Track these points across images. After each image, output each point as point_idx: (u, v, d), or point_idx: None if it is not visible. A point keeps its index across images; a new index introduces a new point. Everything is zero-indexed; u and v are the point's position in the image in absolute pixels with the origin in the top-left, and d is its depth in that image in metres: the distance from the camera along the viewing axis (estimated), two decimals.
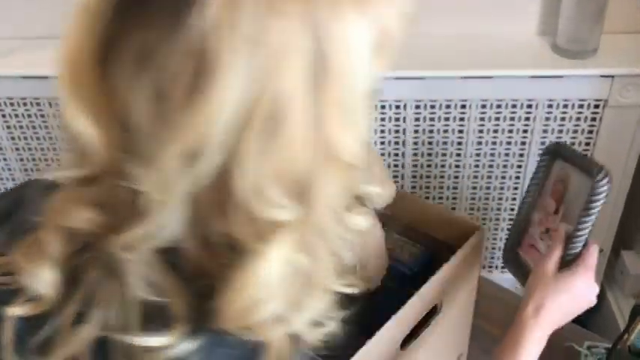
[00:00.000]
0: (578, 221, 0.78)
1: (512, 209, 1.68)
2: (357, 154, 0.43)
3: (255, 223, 0.41)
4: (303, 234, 0.42)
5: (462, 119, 1.53)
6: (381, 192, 0.50)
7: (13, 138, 1.68)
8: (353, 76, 0.42)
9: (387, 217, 0.94)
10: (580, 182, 0.82)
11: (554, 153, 0.87)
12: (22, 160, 1.73)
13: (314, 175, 0.41)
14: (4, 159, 1.74)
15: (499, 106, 1.50)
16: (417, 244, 0.90)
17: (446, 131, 1.56)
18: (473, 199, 1.67)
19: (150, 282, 0.43)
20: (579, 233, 0.78)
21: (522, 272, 0.86)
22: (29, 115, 1.63)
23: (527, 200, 0.91)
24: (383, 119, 1.55)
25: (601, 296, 1.77)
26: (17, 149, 1.71)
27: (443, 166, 1.62)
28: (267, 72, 0.38)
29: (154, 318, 0.42)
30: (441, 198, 1.68)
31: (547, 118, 1.50)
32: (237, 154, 0.39)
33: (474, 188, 1.65)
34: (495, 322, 1.05)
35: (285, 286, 0.43)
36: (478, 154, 1.59)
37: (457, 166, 1.62)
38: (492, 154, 1.58)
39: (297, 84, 0.39)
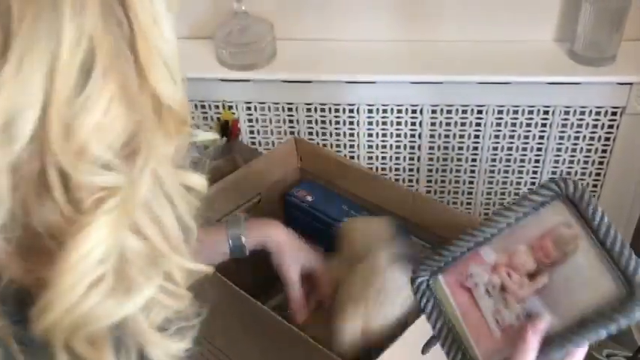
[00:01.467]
0: (575, 330, 0.53)
1: None
2: (183, 105, 0.39)
3: (77, 194, 0.36)
4: (129, 205, 0.37)
5: (478, 124, 1.53)
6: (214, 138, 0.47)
7: None
8: (157, 23, 0.38)
9: (405, 221, 0.94)
10: (596, 275, 0.53)
11: (564, 195, 0.57)
12: None
13: (142, 131, 0.37)
14: None
15: (515, 112, 1.50)
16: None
17: (462, 136, 1.56)
18: (487, 204, 1.67)
19: None
20: (572, 344, 0.53)
21: (428, 301, 0.63)
22: None
23: (492, 224, 0.63)
24: (399, 123, 1.55)
25: None
26: None
27: (458, 170, 1.62)
28: (70, 20, 0.33)
29: None
30: (455, 202, 1.68)
31: (564, 125, 1.50)
32: (53, 110, 0.34)
33: (489, 194, 1.65)
34: None
35: (104, 279, 0.37)
36: (494, 160, 1.59)
37: (472, 171, 1.62)
38: (508, 160, 1.58)
39: (102, 32, 0.35)
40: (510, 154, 1.57)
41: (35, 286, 0.37)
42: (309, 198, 0.99)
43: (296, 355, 0.73)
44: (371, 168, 1.63)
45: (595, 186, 1.60)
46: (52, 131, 0.34)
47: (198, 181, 0.43)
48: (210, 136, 0.46)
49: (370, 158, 1.62)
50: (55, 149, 0.34)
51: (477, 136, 1.55)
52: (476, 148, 1.57)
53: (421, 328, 0.72)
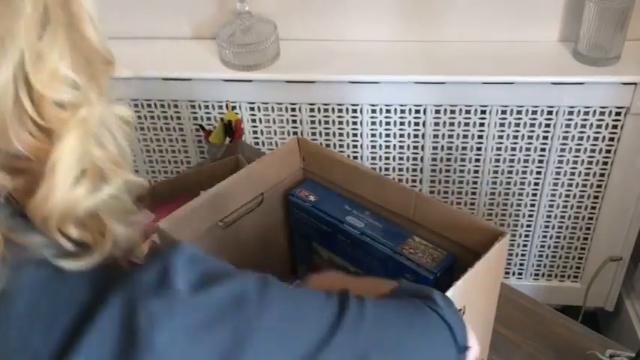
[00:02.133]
0: None
1: (531, 215, 1.68)
2: (106, 48, 0.50)
3: (48, 114, 0.46)
4: (90, 122, 0.48)
5: (481, 125, 1.53)
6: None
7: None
8: None
9: (409, 221, 0.94)
10: None
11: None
12: None
13: (89, 65, 0.48)
14: None
15: (519, 112, 1.50)
16: (439, 249, 0.90)
17: (465, 136, 1.55)
18: (491, 204, 1.67)
19: None
20: None
21: None
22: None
23: None
24: (402, 123, 1.55)
25: (619, 304, 1.76)
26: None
27: (462, 171, 1.62)
28: None
29: None
30: (459, 203, 1.68)
31: (567, 125, 1.50)
32: (25, 47, 0.43)
33: (493, 194, 1.65)
34: (513, 327, 1.05)
35: (85, 177, 0.48)
36: (497, 160, 1.59)
37: (476, 172, 1.62)
38: (512, 160, 1.58)
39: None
40: (514, 155, 1.57)
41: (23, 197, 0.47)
42: (312, 198, 0.98)
43: None
44: (374, 168, 1.63)
45: (599, 186, 1.59)
46: (27, 59, 0.43)
47: (125, 111, 0.52)
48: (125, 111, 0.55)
49: (374, 158, 1.62)
50: (30, 73, 0.44)
51: (480, 137, 1.55)
52: (479, 149, 1.57)
53: None
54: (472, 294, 0.81)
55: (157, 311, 0.46)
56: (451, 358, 0.65)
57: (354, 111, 1.54)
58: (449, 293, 0.75)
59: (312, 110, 1.56)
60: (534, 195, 1.64)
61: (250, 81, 1.52)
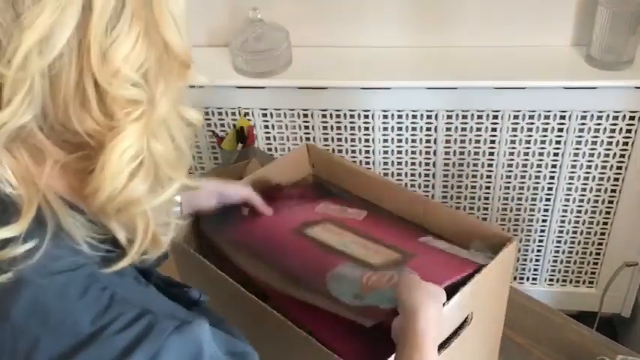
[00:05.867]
0: None
1: (545, 220, 1.67)
2: (186, 54, 0.51)
3: (111, 107, 0.48)
4: (151, 119, 0.49)
5: (494, 130, 1.53)
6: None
7: None
8: None
9: (417, 226, 0.95)
10: None
11: None
12: None
13: (159, 65, 0.50)
14: None
15: (532, 117, 1.49)
16: None
17: (478, 141, 1.55)
18: (504, 209, 1.67)
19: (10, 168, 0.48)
20: None
21: None
22: None
23: None
24: (414, 129, 1.55)
25: (635, 310, 1.74)
26: None
27: (474, 176, 1.62)
28: None
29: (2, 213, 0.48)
30: (472, 208, 1.68)
31: (581, 130, 1.49)
32: (92, 38, 0.45)
33: (506, 199, 1.65)
34: (524, 332, 1.05)
35: (140, 169, 0.50)
36: (510, 165, 1.58)
37: (489, 177, 1.61)
38: (524, 165, 1.58)
39: None
40: (527, 160, 1.57)
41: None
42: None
43: (301, 355, 0.74)
44: (386, 174, 1.64)
45: (613, 191, 1.58)
46: (92, 56, 0.46)
47: (195, 115, 0.54)
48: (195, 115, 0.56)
49: (386, 164, 1.63)
50: (95, 70, 0.46)
51: (492, 142, 1.55)
52: (492, 154, 1.57)
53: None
54: (480, 299, 0.82)
55: None
56: None
57: (366, 117, 1.55)
58: (456, 298, 0.75)
59: (324, 116, 1.57)
60: (548, 200, 1.63)
61: (263, 88, 1.54)
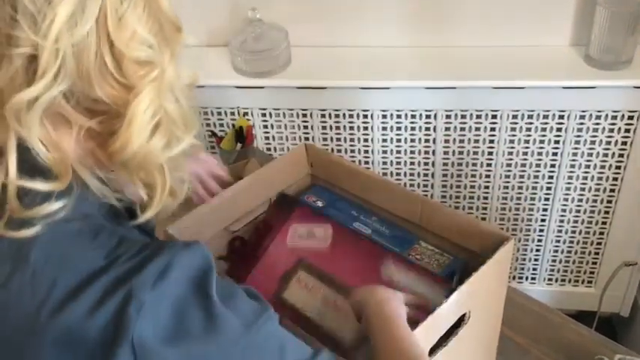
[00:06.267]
0: None
1: (544, 220, 1.67)
2: (177, 17, 0.57)
3: (128, 71, 0.52)
4: (163, 81, 0.54)
5: (492, 129, 1.53)
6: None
7: None
8: None
9: (416, 227, 0.95)
10: None
11: None
12: None
13: (164, 29, 0.55)
14: None
15: (530, 117, 1.50)
16: (445, 254, 0.91)
17: (477, 141, 1.55)
18: (503, 209, 1.67)
19: (41, 137, 0.52)
20: None
21: None
22: None
23: None
24: (413, 128, 1.56)
25: (634, 310, 1.74)
26: None
27: (473, 176, 1.62)
28: None
29: (38, 172, 0.52)
30: (471, 208, 1.68)
31: (579, 129, 1.49)
32: (109, 10, 0.50)
33: (505, 199, 1.65)
34: (522, 332, 1.05)
35: (160, 127, 0.55)
36: (509, 165, 1.58)
37: (488, 177, 1.61)
38: (523, 165, 1.58)
39: None
40: (526, 159, 1.57)
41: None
42: (320, 203, 0.99)
43: None
44: (385, 173, 1.64)
45: (612, 191, 1.58)
46: (109, 24, 0.50)
47: (191, 74, 0.60)
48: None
49: (385, 163, 1.63)
50: (113, 37, 0.51)
51: (491, 141, 1.55)
52: (491, 153, 1.57)
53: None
54: (477, 298, 0.82)
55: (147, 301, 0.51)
56: None
57: (365, 116, 1.55)
58: (453, 297, 0.76)
59: (323, 116, 1.57)
60: (547, 199, 1.63)
61: (262, 87, 1.54)
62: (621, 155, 1.52)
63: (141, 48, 0.52)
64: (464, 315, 0.80)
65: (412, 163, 1.62)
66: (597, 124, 1.48)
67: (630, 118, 1.46)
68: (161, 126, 0.55)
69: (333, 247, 0.94)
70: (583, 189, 1.59)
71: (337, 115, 1.56)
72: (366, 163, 1.63)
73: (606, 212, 1.63)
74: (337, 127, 1.59)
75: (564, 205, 1.63)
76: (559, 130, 1.50)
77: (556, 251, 1.73)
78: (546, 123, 1.50)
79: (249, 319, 0.55)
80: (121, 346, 0.49)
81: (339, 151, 1.62)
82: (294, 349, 0.60)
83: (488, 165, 1.59)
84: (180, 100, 0.57)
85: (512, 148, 1.55)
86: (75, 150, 0.55)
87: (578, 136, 1.51)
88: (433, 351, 0.77)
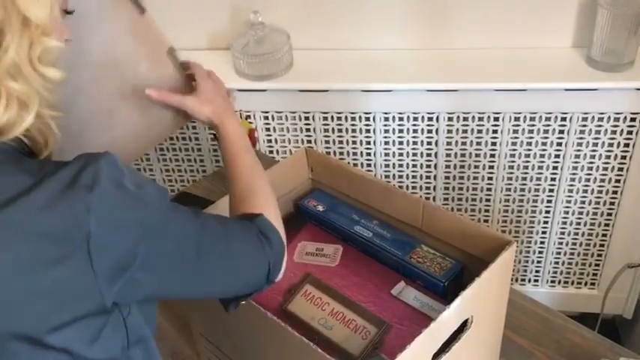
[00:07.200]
0: None
1: (546, 222, 1.67)
2: (44, 21, 0.61)
3: None
4: (2, 67, 0.58)
5: (494, 132, 1.53)
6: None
7: None
8: None
9: (417, 230, 0.95)
10: None
11: None
12: None
13: (6, 25, 0.58)
14: None
15: (532, 119, 1.50)
16: (447, 258, 0.91)
17: (479, 143, 1.55)
18: (506, 211, 1.67)
19: None
20: None
21: None
22: None
23: None
24: (415, 131, 1.56)
25: (637, 312, 1.74)
26: None
27: (476, 178, 1.62)
28: None
29: None
30: (473, 210, 1.68)
31: (581, 131, 1.49)
32: None
33: (507, 201, 1.65)
34: (525, 334, 1.05)
35: (3, 102, 0.59)
36: (511, 167, 1.58)
37: (490, 179, 1.61)
38: (526, 167, 1.58)
39: None
40: (528, 162, 1.57)
41: None
42: (321, 208, 1.00)
43: None
44: (387, 176, 1.64)
45: (615, 192, 1.58)
46: None
47: (55, 73, 0.64)
48: None
49: (387, 166, 1.63)
50: None
51: (493, 144, 1.55)
52: (493, 155, 1.57)
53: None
54: (480, 302, 0.82)
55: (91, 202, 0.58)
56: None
57: (367, 119, 1.55)
58: (456, 302, 0.76)
59: (325, 119, 1.57)
60: (549, 202, 1.63)
61: (264, 90, 1.54)
62: (624, 157, 1.52)
63: None
64: (466, 320, 0.80)
65: (414, 166, 1.62)
66: (599, 126, 1.48)
67: (632, 120, 1.46)
68: (8, 100, 0.59)
69: (342, 266, 0.94)
70: (586, 191, 1.59)
71: (339, 118, 1.56)
72: (369, 165, 1.63)
73: (609, 214, 1.62)
74: (339, 130, 1.59)
75: (567, 207, 1.63)
76: (561, 132, 1.50)
77: (559, 253, 1.72)
78: (548, 125, 1.50)
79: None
80: (76, 241, 0.57)
81: (341, 153, 1.62)
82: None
83: (491, 167, 1.59)
84: (32, 84, 0.61)
85: (515, 150, 1.55)
86: None
87: (581, 138, 1.51)
88: (436, 356, 0.76)
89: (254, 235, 0.74)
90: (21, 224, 0.56)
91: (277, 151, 1.66)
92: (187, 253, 0.66)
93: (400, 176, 1.64)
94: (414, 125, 1.55)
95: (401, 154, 1.60)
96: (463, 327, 0.80)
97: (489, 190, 1.63)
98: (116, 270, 0.59)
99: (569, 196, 1.61)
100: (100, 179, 0.58)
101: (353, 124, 1.57)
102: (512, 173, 1.59)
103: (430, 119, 1.53)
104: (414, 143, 1.58)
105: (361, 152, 1.62)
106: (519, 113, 1.49)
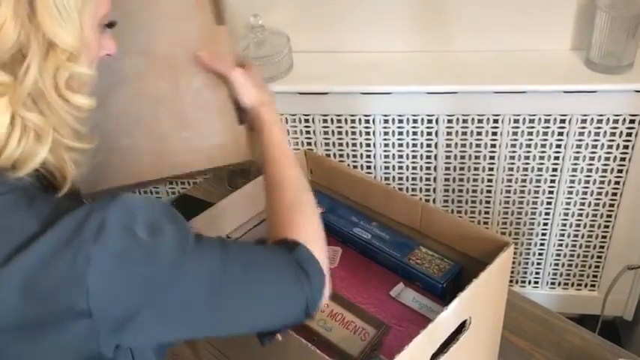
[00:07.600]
0: None
1: (546, 224, 1.67)
2: (72, 45, 0.57)
3: None
4: (21, 94, 0.56)
5: (494, 134, 1.53)
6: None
7: None
8: None
9: (416, 232, 0.95)
10: None
11: None
12: None
13: (29, 49, 0.55)
14: None
15: (532, 121, 1.50)
16: (445, 259, 0.91)
17: (478, 146, 1.56)
18: (505, 213, 1.67)
19: None
20: None
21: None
22: None
23: None
24: (415, 133, 1.56)
25: (637, 313, 1.74)
26: None
27: (475, 180, 1.62)
28: None
29: None
30: (473, 212, 1.68)
31: (581, 133, 1.50)
32: None
33: (507, 203, 1.65)
34: (525, 336, 1.05)
35: (17, 134, 0.57)
36: (511, 169, 1.58)
37: (489, 181, 1.62)
38: (525, 169, 1.58)
39: None
40: (527, 164, 1.57)
41: None
42: (320, 209, 1.00)
43: None
44: (387, 178, 1.64)
45: (614, 194, 1.58)
46: None
47: (83, 100, 0.61)
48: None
49: (387, 168, 1.63)
50: None
51: (493, 146, 1.55)
52: (492, 158, 1.57)
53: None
54: (478, 304, 0.82)
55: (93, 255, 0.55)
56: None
57: (367, 122, 1.56)
58: (454, 303, 0.76)
59: (325, 121, 1.58)
60: (549, 203, 1.63)
61: None
62: (623, 159, 1.52)
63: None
64: (464, 321, 0.81)
65: (414, 168, 1.62)
66: (599, 127, 1.48)
67: (632, 121, 1.46)
68: (18, 133, 0.57)
69: (341, 267, 0.95)
70: (585, 192, 1.60)
71: (339, 121, 1.57)
72: (368, 168, 1.64)
73: (609, 215, 1.63)
74: (339, 132, 1.59)
75: (567, 208, 1.63)
76: (560, 134, 1.51)
77: (559, 255, 1.72)
78: (548, 127, 1.50)
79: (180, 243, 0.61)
80: (76, 297, 0.54)
81: (341, 156, 1.63)
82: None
83: (490, 169, 1.59)
84: (59, 114, 0.59)
85: (514, 152, 1.55)
86: None
87: (580, 140, 1.51)
88: (435, 357, 0.77)
89: (291, 271, 0.68)
90: (24, 284, 0.53)
91: None
92: (203, 300, 0.61)
93: (400, 178, 1.65)
94: (414, 127, 1.55)
95: (400, 157, 1.61)
96: (461, 328, 0.81)
97: (489, 191, 1.64)
98: (118, 323, 0.57)
99: (569, 198, 1.61)
100: (105, 228, 0.55)
101: (352, 127, 1.57)
102: (511, 175, 1.60)
103: (430, 121, 1.53)
104: (414, 145, 1.58)
105: (361, 154, 1.62)
106: (519, 115, 1.49)
